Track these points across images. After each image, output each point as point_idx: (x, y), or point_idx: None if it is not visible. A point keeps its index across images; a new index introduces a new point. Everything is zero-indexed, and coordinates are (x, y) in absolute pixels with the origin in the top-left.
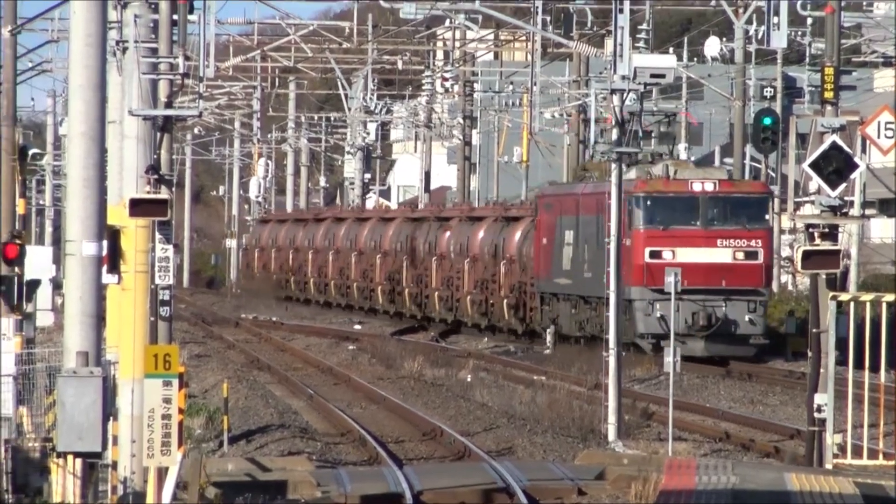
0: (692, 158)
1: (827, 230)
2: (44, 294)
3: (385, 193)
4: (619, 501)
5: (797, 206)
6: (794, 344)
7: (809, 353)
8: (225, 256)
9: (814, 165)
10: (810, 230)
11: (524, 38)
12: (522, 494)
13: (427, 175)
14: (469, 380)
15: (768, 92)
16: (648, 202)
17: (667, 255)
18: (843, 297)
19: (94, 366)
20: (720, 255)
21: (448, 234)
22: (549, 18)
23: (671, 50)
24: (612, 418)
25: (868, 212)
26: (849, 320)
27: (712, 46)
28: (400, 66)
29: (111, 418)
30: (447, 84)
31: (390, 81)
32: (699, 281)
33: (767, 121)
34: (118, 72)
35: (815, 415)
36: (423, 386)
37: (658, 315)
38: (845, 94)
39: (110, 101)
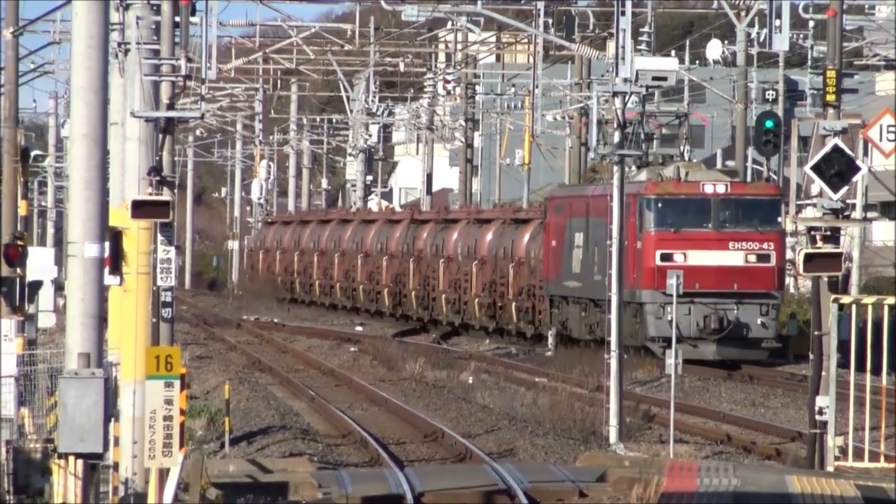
0: (694, 161)
1: (829, 233)
2: (45, 295)
3: (387, 195)
4: (621, 503)
5: (799, 208)
6: (796, 346)
7: (811, 356)
8: (227, 258)
9: (816, 168)
10: (812, 233)
11: (526, 40)
12: (524, 496)
13: (429, 177)
14: (470, 382)
15: (770, 95)
16: (660, 204)
17: (678, 257)
18: (845, 299)
19: (95, 367)
20: (732, 257)
21: (455, 236)
22: (550, 21)
23: (673, 53)
24: (613, 420)
25: (870, 215)
26: (850, 323)
27: (714, 49)
28: (402, 68)
29: (112, 419)
30: (449, 86)
31: (392, 83)
32: (711, 284)
33: (769, 124)
34: (120, 73)
35: (817, 417)
36: (424, 388)
37: (669, 318)
38: (847, 97)
39: (112, 103)
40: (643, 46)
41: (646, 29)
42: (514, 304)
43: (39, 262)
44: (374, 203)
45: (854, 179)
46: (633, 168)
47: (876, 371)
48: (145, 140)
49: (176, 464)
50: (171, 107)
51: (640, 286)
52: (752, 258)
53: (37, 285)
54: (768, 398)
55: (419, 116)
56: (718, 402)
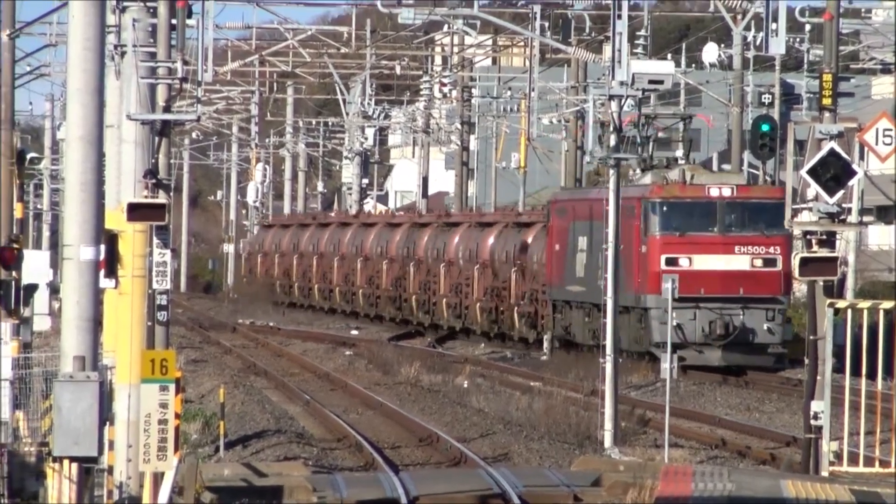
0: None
1: (824, 237)
2: (41, 298)
3: (383, 199)
4: None
5: (795, 212)
6: (791, 351)
7: (806, 361)
8: (222, 261)
9: (812, 172)
10: (808, 237)
11: (522, 43)
12: (518, 500)
13: (425, 180)
14: (466, 386)
15: (766, 98)
16: (664, 208)
17: (683, 262)
18: (841, 304)
19: (90, 370)
20: (738, 262)
21: (457, 239)
22: (547, 24)
23: (669, 56)
24: (608, 425)
25: (866, 219)
26: (846, 327)
27: (710, 53)
28: (398, 71)
29: (107, 423)
30: (445, 89)
31: (388, 86)
32: (716, 289)
33: (765, 127)
34: (116, 76)
35: (812, 422)
36: (419, 392)
37: (675, 324)
38: (843, 101)
39: (108, 106)
40: (639, 50)
41: (642, 32)
42: (516, 308)
43: (35, 265)
44: (370, 206)
45: (850, 183)
46: (638, 171)
47: (871, 376)
48: (141, 143)
49: (171, 467)
50: (167, 109)
51: (645, 291)
52: (759, 262)
53: (32, 288)
54: (763, 403)
55: (415, 119)
56: (713, 407)
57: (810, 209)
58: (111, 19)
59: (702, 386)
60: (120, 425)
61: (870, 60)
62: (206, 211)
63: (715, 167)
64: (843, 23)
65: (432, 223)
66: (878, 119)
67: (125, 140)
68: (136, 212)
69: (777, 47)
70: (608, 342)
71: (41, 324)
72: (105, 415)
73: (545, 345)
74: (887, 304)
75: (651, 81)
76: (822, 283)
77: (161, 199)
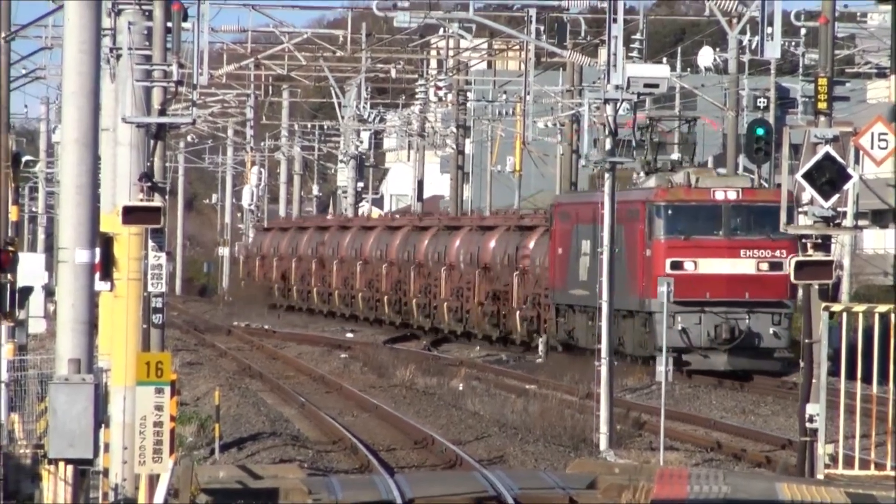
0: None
1: (820, 241)
2: (36, 301)
3: (378, 202)
4: None
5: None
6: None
7: (801, 364)
8: (217, 264)
9: (807, 176)
10: (803, 241)
11: (518, 47)
12: (513, 503)
13: (420, 184)
14: (461, 388)
15: (761, 102)
16: (669, 211)
17: (688, 265)
18: (836, 307)
19: (85, 373)
20: (743, 265)
21: (458, 243)
22: (542, 28)
23: (665, 60)
24: (603, 427)
25: (861, 223)
26: (841, 331)
27: (706, 56)
28: (393, 74)
29: (103, 425)
30: (440, 93)
31: (384, 90)
32: (722, 293)
33: (760, 131)
34: (111, 79)
35: (807, 425)
36: (414, 394)
37: (680, 328)
38: (839, 105)
39: (104, 109)
40: (635, 53)
41: (637, 36)
42: (518, 312)
43: (30, 268)
44: (365, 210)
45: (845, 187)
46: (642, 174)
47: (866, 379)
48: (136, 146)
49: (166, 470)
50: (162, 112)
51: (650, 295)
52: (765, 266)
53: (27, 291)
54: (759, 406)
55: (410, 123)
56: (709, 410)
57: (806, 213)
58: (107, 22)
59: (697, 389)
60: (115, 428)
61: (865, 64)
62: (201, 214)
63: None
64: (839, 27)
65: (433, 226)
66: (873, 123)
67: (120, 143)
68: (131, 215)
69: (772, 51)
70: (603, 345)
71: (36, 326)
72: (100, 417)
73: (540, 347)
74: (882, 308)
75: (646, 85)
76: (817, 287)
77: (156, 202)
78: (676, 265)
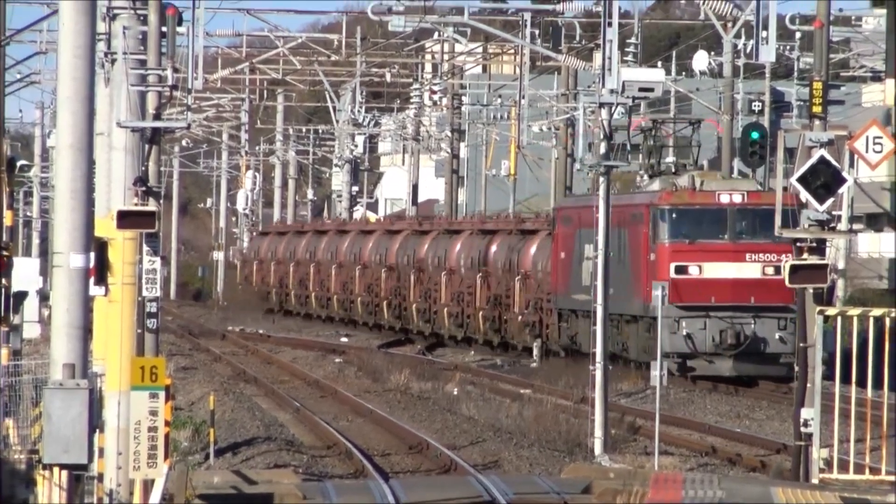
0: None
1: (814, 244)
2: (31, 306)
3: (372, 206)
4: None
5: (785, 220)
6: None
7: (796, 368)
8: (212, 269)
9: (802, 180)
10: (798, 244)
11: (513, 51)
12: None
13: (415, 188)
14: (455, 393)
15: (756, 106)
16: (674, 214)
17: (693, 270)
18: (831, 311)
19: (80, 378)
20: (749, 269)
21: (458, 247)
22: (537, 32)
23: (660, 64)
24: (598, 432)
25: (855, 226)
26: (836, 335)
27: (701, 60)
28: (388, 78)
29: (97, 430)
30: (435, 97)
31: (378, 94)
32: (727, 297)
33: (755, 135)
34: (106, 84)
35: (802, 429)
36: (409, 399)
37: (684, 333)
38: (833, 109)
39: (98, 113)
40: (630, 57)
41: (632, 40)
42: (519, 317)
43: (25, 273)
44: (360, 213)
45: (840, 191)
46: (646, 177)
47: (861, 383)
48: (131, 150)
49: (160, 475)
50: (157, 117)
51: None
52: (770, 270)
53: (22, 296)
54: (753, 410)
55: (405, 127)
56: (703, 414)
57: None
58: (101, 27)
59: (692, 393)
60: (110, 433)
61: (860, 68)
62: (195, 218)
63: None
64: (834, 30)
65: (433, 230)
66: (868, 127)
67: (115, 148)
68: (125, 219)
69: (767, 55)
70: (598, 349)
71: (31, 331)
72: (95, 422)
73: (535, 352)
74: (877, 312)
75: (641, 89)
76: (811, 291)
77: (151, 206)
78: (681, 269)
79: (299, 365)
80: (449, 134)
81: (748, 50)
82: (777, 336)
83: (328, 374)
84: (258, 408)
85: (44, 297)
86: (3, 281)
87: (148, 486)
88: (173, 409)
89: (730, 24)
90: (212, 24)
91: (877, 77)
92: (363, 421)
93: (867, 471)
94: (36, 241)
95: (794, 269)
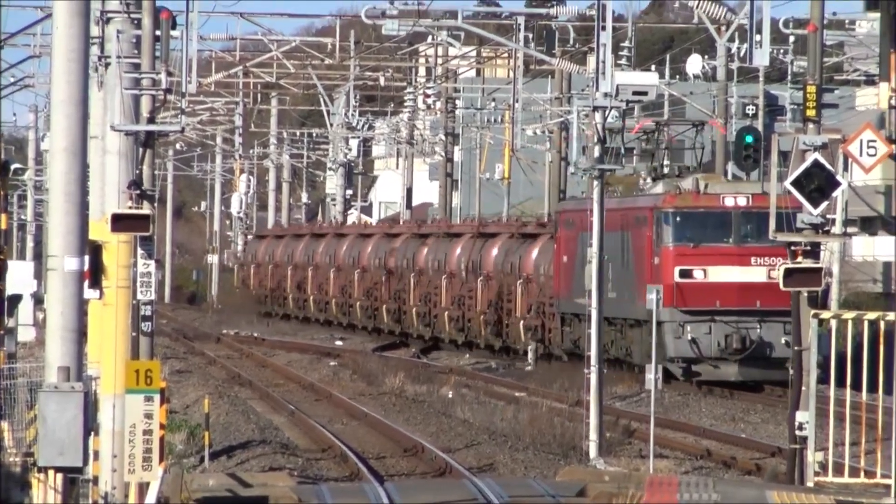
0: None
1: (809, 248)
2: (25, 309)
3: (367, 210)
4: None
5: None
6: None
7: (791, 371)
8: (206, 272)
9: (796, 183)
10: (792, 248)
11: (506, 54)
12: None
13: (409, 191)
14: (450, 396)
15: (750, 109)
16: (678, 218)
17: (698, 273)
18: (825, 314)
19: (75, 381)
20: (754, 273)
21: (458, 251)
22: (531, 35)
23: (653, 67)
24: (593, 435)
25: (850, 230)
26: (830, 338)
27: (694, 64)
28: (382, 82)
29: (92, 433)
30: (429, 100)
31: (372, 98)
32: (732, 301)
33: (749, 138)
34: (99, 87)
35: (797, 433)
36: (404, 402)
37: (689, 338)
38: (827, 112)
39: (92, 117)
40: (623, 61)
41: (626, 44)
42: (521, 322)
43: (19, 276)
44: (354, 217)
45: (834, 194)
46: (648, 180)
47: (856, 386)
48: (125, 153)
49: (156, 478)
50: (151, 120)
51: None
52: (776, 274)
53: (16, 299)
54: (748, 413)
55: (399, 131)
56: (698, 418)
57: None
58: (95, 31)
59: (687, 396)
60: (105, 436)
61: (854, 72)
62: (190, 222)
63: None
64: (827, 34)
65: (433, 234)
66: (861, 130)
67: (109, 151)
68: (120, 222)
69: (761, 58)
70: (593, 352)
71: (25, 334)
72: (90, 425)
73: (530, 355)
74: (871, 315)
75: (635, 93)
76: (806, 294)
77: (145, 209)
78: (685, 273)
79: (294, 368)
80: (443, 137)
81: (742, 53)
82: (783, 340)
83: (323, 377)
84: (253, 411)
85: (38, 300)
86: None
87: (143, 489)
88: (168, 413)
89: (723, 28)
90: (205, 27)
91: (870, 80)
92: (358, 424)
93: (862, 474)
94: (30, 244)
95: (788, 272)
